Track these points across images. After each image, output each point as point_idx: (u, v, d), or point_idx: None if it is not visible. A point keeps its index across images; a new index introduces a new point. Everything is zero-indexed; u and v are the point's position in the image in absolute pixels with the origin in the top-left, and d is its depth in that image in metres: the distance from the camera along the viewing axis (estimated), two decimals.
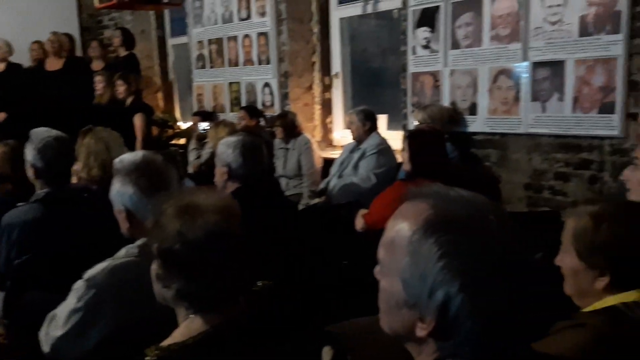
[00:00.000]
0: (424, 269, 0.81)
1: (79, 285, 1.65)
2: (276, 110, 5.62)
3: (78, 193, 2.56)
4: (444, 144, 3.33)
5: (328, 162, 4.78)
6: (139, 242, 1.74)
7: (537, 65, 3.68)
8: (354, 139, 4.40)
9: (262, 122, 5.47)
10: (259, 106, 5.91)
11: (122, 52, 6.79)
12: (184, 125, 7.16)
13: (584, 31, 3.42)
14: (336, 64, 5.52)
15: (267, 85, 5.81)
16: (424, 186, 0.88)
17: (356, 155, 4.32)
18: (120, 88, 5.91)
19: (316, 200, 4.46)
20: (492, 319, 0.80)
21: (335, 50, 5.51)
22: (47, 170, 2.52)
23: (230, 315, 1.21)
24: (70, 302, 1.65)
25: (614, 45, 3.29)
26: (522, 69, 3.76)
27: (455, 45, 4.11)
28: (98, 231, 2.06)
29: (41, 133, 2.60)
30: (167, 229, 1.22)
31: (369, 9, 5.14)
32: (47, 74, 6.76)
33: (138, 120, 5.79)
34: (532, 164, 3.81)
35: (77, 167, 2.64)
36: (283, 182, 4.86)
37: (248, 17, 5.89)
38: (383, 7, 4.99)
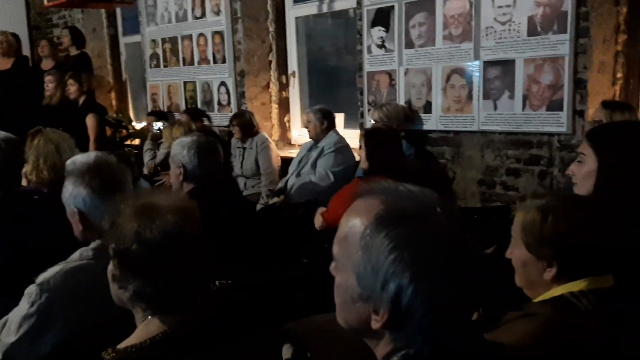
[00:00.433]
0: (376, 262, 0.84)
1: (31, 290, 1.61)
2: (233, 109, 5.58)
3: (28, 196, 2.49)
4: (400, 142, 3.39)
5: (286, 161, 4.78)
6: (93, 244, 1.71)
7: (488, 64, 3.78)
8: (311, 137, 4.42)
9: (207, 123, 5.43)
10: (215, 105, 5.87)
11: (73, 51, 6.62)
12: (138, 125, 7.04)
13: (533, 31, 3.53)
14: (293, 63, 5.53)
15: (223, 84, 5.77)
16: (375, 183, 0.91)
17: (314, 154, 4.34)
18: (72, 88, 5.77)
19: (275, 200, 4.46)
20: (443, 308, 0.83)
21: (292, 49, 5.51)
22: None
23: (188, 316, 1.21)
24: (23, 307, 1.61)
25: (561, 44, 3.41)
26: (474, 68, 3.85)
27: (410, 44, 4.18)
28: (50, 234, 2.01)
29: None
30: (124, 230, 1.20)
31: (324, 8, 5.16)
32: None
33: (90, 120, 5.65)
34: (484, 160, 3.91)
35: (26, 169, 2.57)
36: (241, 181, 4.84)
37: (202, 15, 5.84)
38: (338, 6, 5.03)
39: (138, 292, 1.21)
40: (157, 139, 5.20)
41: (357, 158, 3.82)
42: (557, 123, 3.50)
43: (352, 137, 4.49)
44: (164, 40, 6.36)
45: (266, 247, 2.71)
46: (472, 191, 4.00)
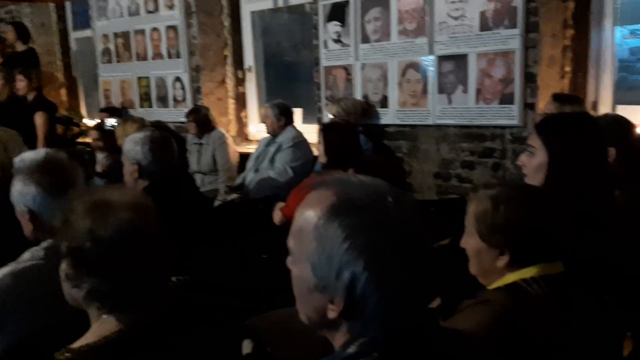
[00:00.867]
0: (330, 251, 0.85)
1: None
2: (188, 105, 5.51)
3: None
4: (357, 136, 3.41)
5: (244, 157, 4.75)
6: (44, 244, 1.66)
7: (442, 58, 3.84)
8: (269, 133, 4.40)
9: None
10: (170, 101, 5.78)
11: (20, 47, 6.40)
12: (90, 122, 6.86)
13: (484, 26, 3.60)
14: (249, 58, 5.49)
15: (178, 79, 5.69)
16: (328, 175, 0.92)
17: (272, 149, 4.33)
18: (21, 84, 5.58)
19: (233, 196, 4.42)
20: (397, 295, 0.85)
21: (248, 44, 5.47)
22: None
23: (145, 314, 1.19)
24: None
25: (512, 39, 3.50)
26: (429, 62, 3.91)
27: (365, 39, 4.21)
28: None
29: None
30: (77, 227, 1.17)
31: (280, 2, 5.14)
32: None
33: (39, 118, 5.48)
34: (440, 153, 3.98)
35: None
36: (198, 178, 4.78)
37: (155, 10, 5.73)
38: (294, 1, 5.01)
39: (92, 291, 1.19)
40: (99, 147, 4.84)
41: (316, 153, 3.82)
42: (509, 116, 3.59)
43: (310, 132, 4.49)
44: (116, 35, 6.22)
45: (225, 243, 2.69)
46: (428, 184, 4.07)
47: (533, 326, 1.29)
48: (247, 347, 1.64)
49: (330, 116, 4.13)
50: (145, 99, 6.04)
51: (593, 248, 1.51)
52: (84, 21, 6.83)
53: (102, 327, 1.18)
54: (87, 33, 6.79)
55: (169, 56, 5.72)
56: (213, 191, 4.69)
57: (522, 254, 1.37)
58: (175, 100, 5.75)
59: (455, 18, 3.72)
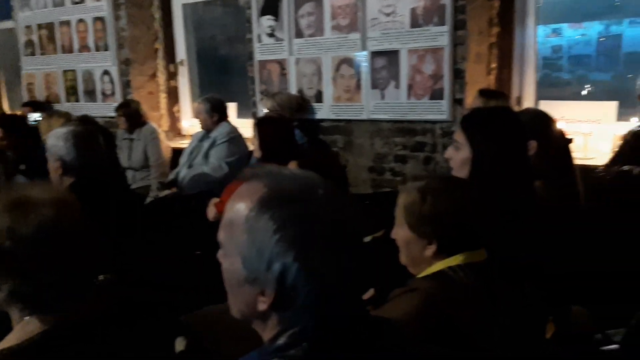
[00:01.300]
0: (261, 243, 0.85)
1: None
2: (118, 99, 5.34)
3: None
4: (292, 130, 3.42)
5: (177, 152, 4.66)
6: None
7: (374, 54, 3.90)
8: (202, 128, 4.33)
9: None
10: (98, 95, 5.59)
11: None
12: None
13: (415, 22, 3.69)
14: (181, 51, 5.38)
15: (106, 73, 5.50)
16: (259, 168, 0.92)
17: (206, 144, 4.26)
18: None
19: (166, 192, 4.33)
20: (327, 285, 0.85)
21: (180, 37, 5.36)
22: None
23: (70, 314, 1.14)
24: None
25: (441, 36, 3.60)
26: (362, 58, 3.96)
27: (299, 34, 4.21)
28: None
29: None
30: None
31: None
32: None
33: None
34: (374, 148, 4.05)
35: None
36: (129, 174, 4.65)
37: (82, 0, 5.52)
38: None
39: (14, 292, 1.13)
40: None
41: (251, 147, 3.80)
42: (439, 111, 3.70)
43: (246, 127, 4.46)
44: (40, 27, 5.94)
45: (158, 240, 2.64)
46: (363, 178, 4.13)
47: (459, 312, 1.34)
48: (180, 344, 1.62)
49: (266, 111, 4.11)
50: (72, 93, 5.81)
51: (514, 240, 1.58)
52: (5, 12, 6.49)
53: (24, 329, 1.13)
54: (8, 24, 6.45)
55: (97, 49, 5.52)
56: (145, 188, 4.58)
57: (448, 243, 1.42)
58: (103, 94, 5.57)
59: (387, 14, 3.79)
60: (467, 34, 3.53)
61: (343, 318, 0.87)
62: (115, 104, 4.99)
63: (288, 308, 0.86)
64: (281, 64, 4.35)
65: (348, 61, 4.04)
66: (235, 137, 4.24)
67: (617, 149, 2.99)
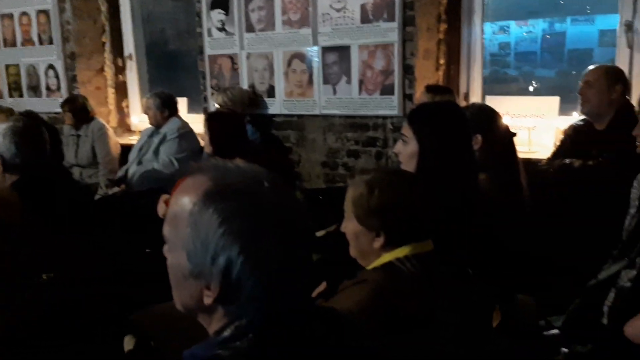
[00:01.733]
0: (206, 237, 0.85)
1: None
2: (63, 94, 5.18)
3: None
4: (243, 125, 3.40)
5: (126, 149, 4.57)
6: None
7: (326, 49, 3.91)
8: (152, 124, 4.26)
9: None
10: (43, 90, 5.41)
11: None
12: None
13: (365, 18, 3.72)
14: (129, 45, 5.26)
15: (51, 67, 5.33)
16: (204, 162, 0.92)
17: (156, 140, 4.19)
18: None
19: (115, 189, 4.24)
20: (273, 278, 0.86)
21: (127, 31, 5.23)
22: None
23: (10, 313, 1.11)
24: None
25: (391, 32, 3.64)
26: (313, 53, 3.97)
27: (250, 28, 4.18)
28: None
29: None
30: None
31: None
32: None
33: None
34: (327, 143, 4.07)
35: None
36: (76, 171, 4.53)
37: None
38: None
39: None
40: None
41: (202, 143, 3.76)
42: (390, 107, 3.74)
43: (197, 122, 4.40)
44: None
45: (107, 238, 2.59)
46: (316, 173, 4.14)
47: (406, 302, 1.36)
48: (129, 343, 1.59)
49: (217, 106, 4.07)
50: (15, 88, 5.61)
51: (459, 231, 1.62)
52: None
53: None
54: None
55: (41, 42, 5.34)
56: (93, 185, 4.47)
57: (396, 235, 1.44)
58: (48, 89, 5.39)
59: (338, 10, 3.81)
60: (415, 31, 3.58)
61: (290, 310, 0.88)
62: (61, 100, 4.84)
63: (234, 301, 0.86)
64: (232, 58, 4.32)
65: (299, 56, 4.04)
66: (185, 133, 4.18)
67: (559, 143, 3.11)
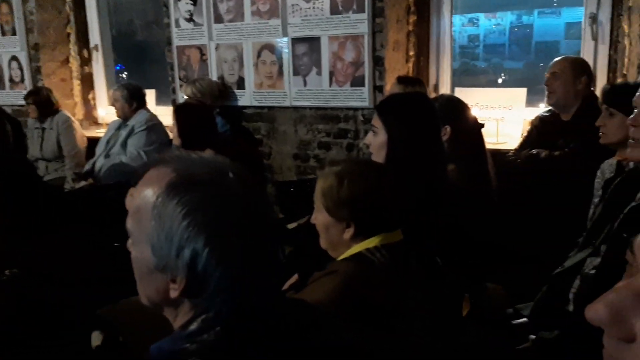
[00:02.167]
0: (170, 229, 0.83)
1: None
2: (27, 86, 5.05)
3: None
4: (212, 117, 3.36)
5: (93, 142, 4.48)
6: None
7: (296, 40, 3.89)
8: (119, 116, 4.18)
9: None
10: (6, 82, 5.26)
11: None
12: None
13: (335, 10, 3.70)
14: (95, 36, 5.14)
15: (14, 58, 5.18)
16: (167, 153, 0.90)
17: (124, 133, 4.12)
18: None
19: (82, 183, 4.16)
20: (240, 269, 0.85)
21: (93, 21, 5.12)
22: None
23: None
24: None
25: (361, 23, 3.63)
26: (283, 44, 3.94)
27: (219, 19, 4.13)
28: None
29: None
30: None
31: None
32: None
33: None
34: (298, 135, 4.05)
35: None
36: (41, 165, 4.43)
37: None
38: None
39: None
40: None
41: (171, 135, 3.71)
42: (360, 98, 3.75)
43: (165, 114, 4.33)
44: None
45: (73, 232, 2.53)
46: (288, 165, 4.13)
47: (376, 292, 1.37)
48: (96, 338, 1.57)
49: (186, 97, 4.01)
50: None
51: (428, 221, 1.63)
52: None
53: None
54: None
55: (3, 33, 5.19)
56: (60, 179, 4.38)
57: (366, 226, 1.45)
58: (12, 81, 5.25)
59: (307, 1, 3.78)
60: (385, 22, 3.58)
61: (258, 303, 0.87)
62: (25, 92, 4.72)
63: (200, 294, 0.84)
64: (201, 49, 4.26)
65: (269, 47, 4.00)
66: (154, 125, 4.12)
67: (526, 134, 3.15)
